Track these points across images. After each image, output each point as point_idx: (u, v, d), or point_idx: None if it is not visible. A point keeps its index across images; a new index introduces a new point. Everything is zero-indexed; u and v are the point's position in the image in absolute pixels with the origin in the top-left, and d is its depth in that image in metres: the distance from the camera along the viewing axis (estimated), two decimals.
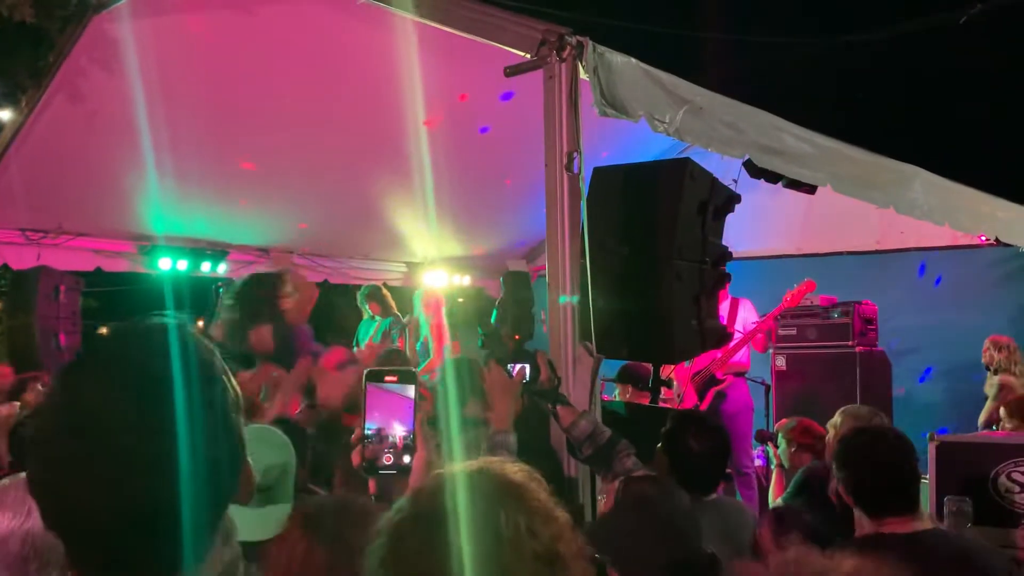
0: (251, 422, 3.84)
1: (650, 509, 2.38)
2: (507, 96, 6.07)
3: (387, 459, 1.77)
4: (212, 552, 1.18)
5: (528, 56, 4.15)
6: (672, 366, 6.59)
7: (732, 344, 6.55)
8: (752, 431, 7.11)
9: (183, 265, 8.49)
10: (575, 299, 4.05)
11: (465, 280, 10.04)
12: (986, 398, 7.58)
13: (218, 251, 8.74)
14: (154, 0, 5.46)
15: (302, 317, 5.16)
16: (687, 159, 4.40)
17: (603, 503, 3.45)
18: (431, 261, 10.10)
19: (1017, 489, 4.31)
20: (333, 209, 8.23)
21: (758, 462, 7.54)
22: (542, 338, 4.33)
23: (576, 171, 4.06)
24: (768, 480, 7.46)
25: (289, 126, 6.69)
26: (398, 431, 1.78)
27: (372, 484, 1.83)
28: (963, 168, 6.89)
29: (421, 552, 1.26)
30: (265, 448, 2.91)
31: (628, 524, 1.67)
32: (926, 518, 3.04)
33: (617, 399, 6.56)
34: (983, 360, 7.56)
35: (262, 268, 9.34)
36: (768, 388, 7.38)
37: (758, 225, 7.67)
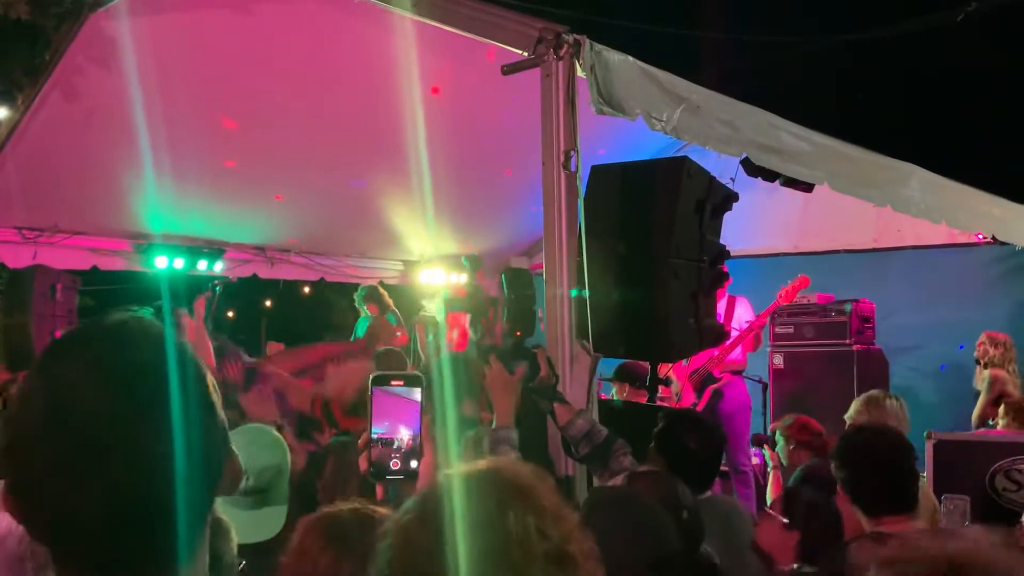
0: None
1: (624, 509, 2.37)
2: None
3: (394, 464, 1.75)
4: (202, 547, 1.17)
5: (525, 54, 4.14)
6: (670, 364, 6.59)
7: (729, 342, 6.56)
8: (749, 429, 7.12)
9: (179, 263, 8.47)
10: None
11: (462, 279, 10.03)
12: (977, 394, 7.59)
13: (215, 249, 8.72)
14: None
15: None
16: (685, 157, 4.40)
17: None
18: (428, 259, 10.08)
19: (1014, 487, 4.32)
20: (330, 207, 8.22)
21: (755, 460, 7.55)
22: (541, 336, 4.33)
23: (573, 169, 4.06)
24: (765, 479, 7.47)
25: (286, 124, 6.68)
26: (405, 435, 1.76)
27: (380, 490, 1.81)
28: (960, 166, 6.90)
29: (429, 553, 1.26)
30: (258, 449, 2.91)
31: (601, 524, 1.66)
32: (925, 517, 3.03)
33: (615, 397, 6.56)
34: (976, 354, 7.55)
35: (259, 266, 9.36)
36: (765, 386, 7.39)
37: (755, 223, 7.67)
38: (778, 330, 7.51)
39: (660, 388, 5.91)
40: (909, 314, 8.38)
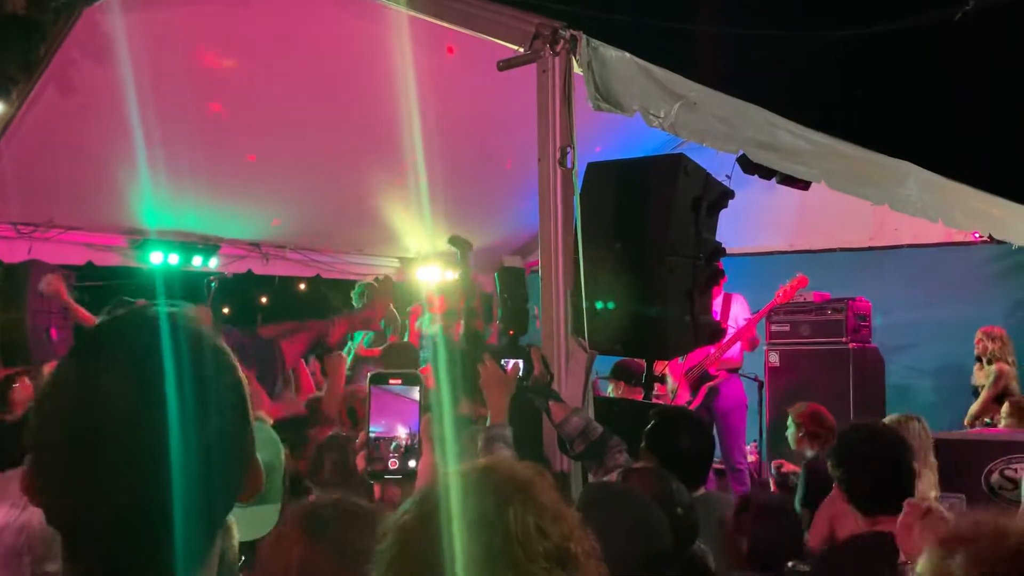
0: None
1: (620, 504, 2.36)
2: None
3: (392, 464, 1.73)
4: (215, 551, 1.15)
5: (521, 50, 4.13)
6: (665, 362, 6.59)
7: (725, 340, 6.55)
8: (745, 427, 7.12)
9: (175, 259, 8.46)
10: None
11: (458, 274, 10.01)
12: (975, 391, 7.60)
13: (210, 245, 8.71)
14: None
15: None
16: (681, 155, 4.40)
17: None
18: (424, 256, 10.07)
19: (1010, 486, 4.31)
20: (326, 203, 8.21)
21: (751, 458, 7.55)
22: (536, 334, 4.32)
23: (569, 166, 4.04)
24: (760, 476, 7.48)
25: (281, 120, 6.66)
26: (403, 434, 1.74)
27: (377, 489, 1.80)
28: (958, 165, 6.90)
29: (430, 552, 1.25)
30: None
31: (596, 520, 1.65)
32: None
33: (611, 395, 6.56)
34: (976, 351, 7.58)
35: (254, 262, 9.34)
36: (761, 384, 7.38)
37: (751, 221, 7.67)
38: (774, 328, 7.51)
39: (656, 386, 5.91)
40: (905, 312, 8.38)
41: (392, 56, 5.20)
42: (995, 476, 4.36)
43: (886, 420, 4.33)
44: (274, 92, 6.39)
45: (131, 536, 1.04)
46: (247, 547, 2.35)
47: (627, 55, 4.21)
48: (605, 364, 6.46)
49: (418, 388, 1.76)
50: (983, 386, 7.53)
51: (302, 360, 5.67)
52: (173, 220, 8.07)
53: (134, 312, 1.14)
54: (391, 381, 1.76)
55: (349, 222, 8.88)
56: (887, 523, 2.89)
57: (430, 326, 8.24)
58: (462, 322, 6.81)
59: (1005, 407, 6.00)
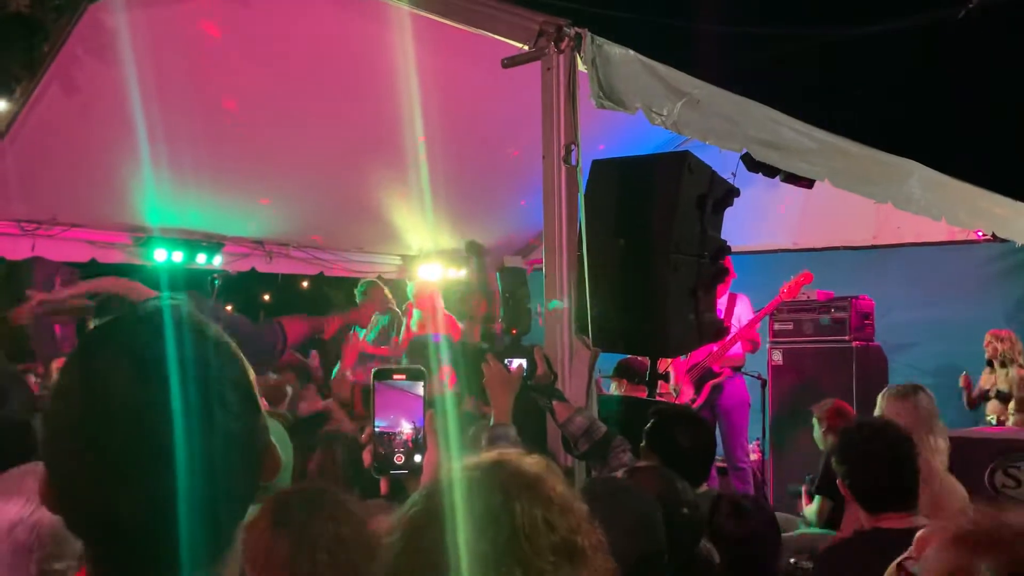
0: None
1: (621, 500, 2.36)
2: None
3: (398, 459, 1.74)
4: (235, 547, 1.14)
5: (526, 47, 4.13)
6: (669, 360, 6.59)
7: (729, 338, 6.55)
8: (748, 425, 7.12)
9: (178, 257, 8.47)
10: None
11: (461, 274, 10.02)
12: (985, 395, 7.61)
13: (213, 243, 8.72)
14: None
15: None
16: (686, 152, 4.39)
17: None
18: (426, 254, 10.08)
19: (1013, 484, 4.31)
20: (329, 201, 8.21)
21: (754, 456, 7.55)
22: (538, 333, 4.32)
23: (574, 163, 4.04)
24: (763, 474, 7.48)
25: (284, 118, 6.66)
26: (408, 430, 1.75)
27: (384, 484, 1.81)
28: (961, 164, 6.89)
29: (437, 547, 1.25)
30: None
31: (598, 515, 1.66)
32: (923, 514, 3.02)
33: (614, 393, 6.55)
34: (987, 355, 7.60)
35: (257, 260, 9.35)
36: (764, 383, 7.38)
37: (754, 219, 7.67)
38: (777, 326, 7.50)
39: (659, 383, 5.91)
40: (908, 311, 8.38)
41: (395, 54, 5.20)
42: (998, 474, 4.36)
43: (891, 390, 4.31)
44: (277, 89, 6.39)
45: (146, 538, 1.04)
46: None
47: (631, 52, 4.21)
48: (608, 363, 6.46)
49: (422, 383, 1.77)
50: (999, 390, 7.54)
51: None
52: (177, 218, 8.08)
53: (133, 310, 1.13)
54: (395, 376, 1.77)
55: (352, 220, 8.89)
56: (891, 520, 2.90)
57: (416, 325, 8.27)
58: (479, 327, 6.84)
59: (1012, 404, 6.01)
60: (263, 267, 9.48)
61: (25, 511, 2.10)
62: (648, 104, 4.25)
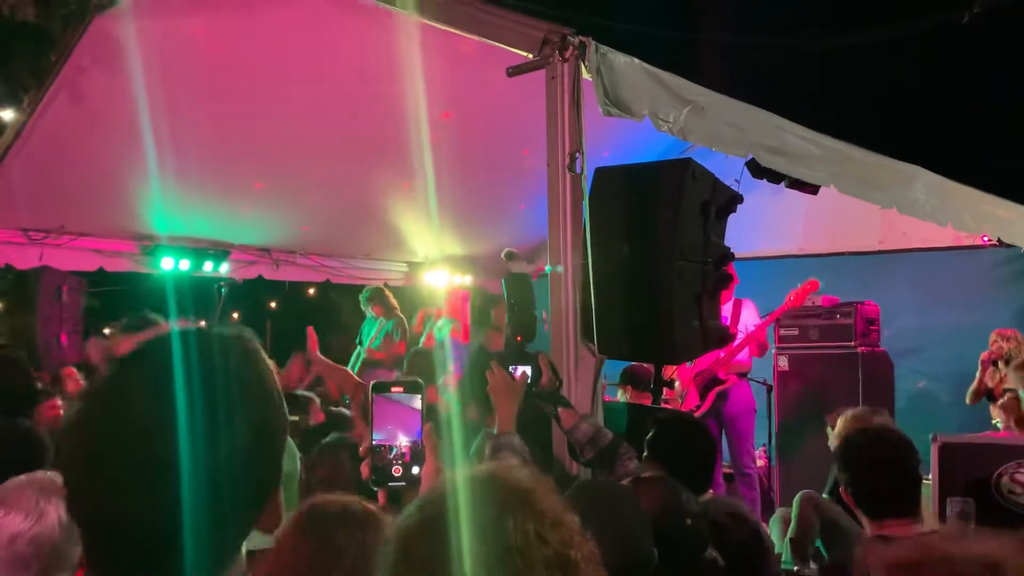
0: None
1: (612, 510, 2.36)
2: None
3: (396, 471, 1.77)
4: (234, 569, 1.17)
5: (531, 56, 4.15)
6: (674, 367, 6.58)
7: (735, 344, 6.55)
8: (754, 432, 7.11)
9: (185, 265, 8.51)
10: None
11: (467, 280, 10.05)
12: (990, 394, 7.57)
13: (220, 251, 8.76)
14: (156, 0, 5.46)
15: None
16: (689, 159, 4.39)
17: None
18: (432, 261, 10.10)
19: (1020, 490, 4.30)
20: (335, 209, 8.24)
21: (760, 462, 7.54)
22: (543, 339, 4.32)
23: (579, 171, 4.06)
24: (770, 480, 7.47)
25: (290, 126, 6.69)
26: (406, 442, 1.78)
27: (382, 496, 1.83)
28: (967, 168, 6.88)
29: (430, 560, 1.26)
30: None
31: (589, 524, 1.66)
32: (928, 520, 3.02)
33: (620, 400, 6.56)
34: (992, 354, 7.57)
35: (264, 268, 9.39)
36: (770, 389, 7.37)
37: (760, 225, 7.67)
38: (783, 332, 7.50)
39: (664, 390, 5.91)
40: (914, 316, 8.37)
41: (401, 62, 5.22)
42: (1005, 480, 4.35)
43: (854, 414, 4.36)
44: (283, 97, 6.41)
45: (142, 555, 1.09)
46: (251, 556, 2.37)
47: (636, 61, 4.23)
48: (613, 369, 6.46)
49: (419, 396, 1.80)
50: (1007, 389, 7.50)
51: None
52: (183, 226, 8.11)
53: (156, 342, 1.18)
54: (393, 389, 1.80)
55: (358, 227, 8.92)
56: (893, 527, 2.89)
57: (440, 331, 8.27)
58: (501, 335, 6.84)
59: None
60: (270, 274, 9.52)
61: (26, 524, 2.12)
62: (654, 111, 4.27)
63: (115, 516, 1.07)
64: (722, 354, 6.63)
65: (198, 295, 8.23)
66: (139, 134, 5.63)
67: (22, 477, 2.29)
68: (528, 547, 1.25)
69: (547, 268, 4.11)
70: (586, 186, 4.14)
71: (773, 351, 7.48)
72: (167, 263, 8.40)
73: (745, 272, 6.71)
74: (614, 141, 6.21)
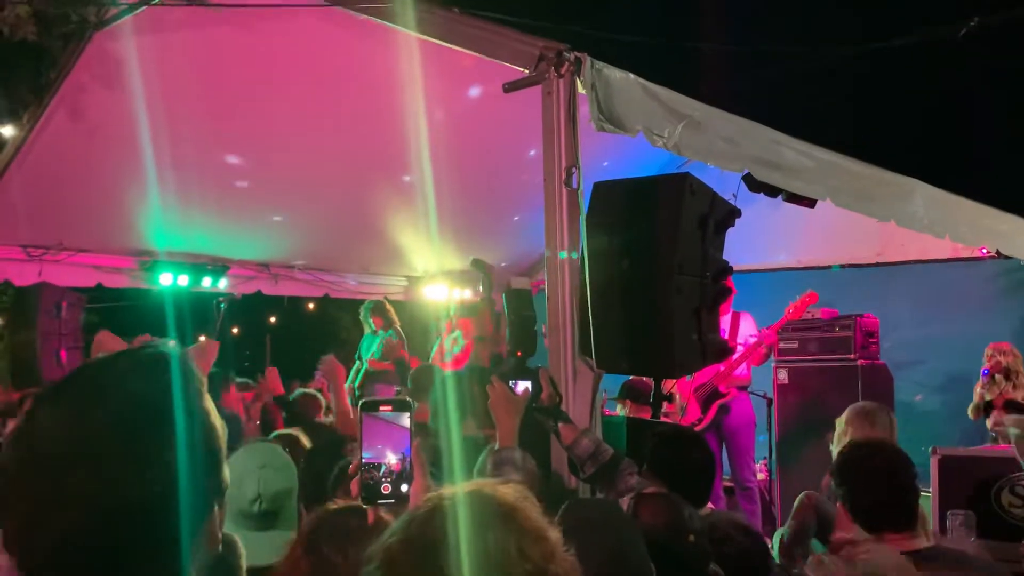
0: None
1: (601, 532, 2.34)
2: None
3: (385, 488, 1.79)
4: None
5: (526, 72, 4.16)
6: (673, 381, 6.58)
7: (735, 357, 6.55)
8: (754, 445, 7.11)
9: (184, 280, 8.52)
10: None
11: (465, 294, 10.05)
12: (988, 405, 7.57)
13: (219, 266, 8.76)
14: (155, 18, 5.48)
15: None
16: (687, 174, 4.39)
17: None
18: (431, 275, 10.11)
19: (1020, 503, 4.30)
20: (334, 223, 8.25)
21: (761, 476, 7.53)
22: (543, 354, 4.33)
23: (575, 186, 4.07)
24: (771, 494, 7.46)
25: (289, 141, 6.71)
26: (395, 460, 1.80)
27: (371, 514, 1.84)
28: (963, 181, 6.89)
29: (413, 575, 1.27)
30: (273, 472, 2.90)
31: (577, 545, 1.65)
32: (926, 534, 3.01)
33: (620, 414, 6.55)
34: (989, 368, 7.57)
35: (263, 283, 9.39)
36: (770, 402, 7.37)
37: (758, 238, 7.67)
38: (782, 345, 7.49)
39: (664, 404, 5.91)
40: (914, 328, 8.37)
41: (400, 77, 5.24)
42: (1004, 493, 4.35)
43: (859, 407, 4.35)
44: (282, 113, 6.43)
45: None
46: (257, 572, 2.36)
47: (631, 76, 4.24)
48: (613, 384, 6.46)
49: (408, 415, 1.82)
50: (1010, 401, 7.50)
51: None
52: (182, 241, 8.12)
53: (120, 354, 1.21)
54: (382, 408, 1.83)
55: (357, 242, 8.93)
56: (891, 540, 2.88)
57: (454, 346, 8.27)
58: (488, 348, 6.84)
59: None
60: (269, 289, 9.52)
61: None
62: (648, 126, 4.27)
63: (35, 552, 1.09)
64: (722, 367, 6.63)
65: (197, 311, 8.23)
66: (138, 150, 5.65)
67: None
68: (509, 563, 1.26)
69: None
70: (583, 201, 4.15)
71: (772, 364, 7.48)
72: (166, 279, 8.41)
73: (744, 285, 6.71)
74: (615, 151, 6.22)
